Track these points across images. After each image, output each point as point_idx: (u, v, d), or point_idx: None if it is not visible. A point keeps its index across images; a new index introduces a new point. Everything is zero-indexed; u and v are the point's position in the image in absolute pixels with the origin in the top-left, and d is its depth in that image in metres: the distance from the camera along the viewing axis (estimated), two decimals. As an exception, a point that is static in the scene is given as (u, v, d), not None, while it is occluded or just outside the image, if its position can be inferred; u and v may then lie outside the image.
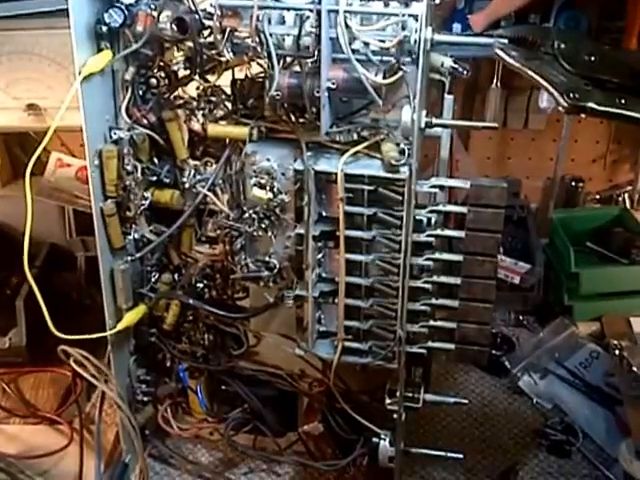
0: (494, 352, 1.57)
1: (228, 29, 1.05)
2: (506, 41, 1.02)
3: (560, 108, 0.99)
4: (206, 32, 1.08)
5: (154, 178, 1.22)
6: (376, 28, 1.02)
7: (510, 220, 1.85)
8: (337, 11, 1.00)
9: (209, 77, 1.16)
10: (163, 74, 1.16)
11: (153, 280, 1.28)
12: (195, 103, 1.18)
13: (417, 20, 0.99)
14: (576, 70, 0.99)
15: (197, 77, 1.13)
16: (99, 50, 1.11)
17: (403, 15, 1.00)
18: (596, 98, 0.98)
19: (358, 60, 1.05)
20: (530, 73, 1.00)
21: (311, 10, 1.01)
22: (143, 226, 1.25)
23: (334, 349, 1.21)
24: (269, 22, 1.06)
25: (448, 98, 1.09)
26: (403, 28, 1.01)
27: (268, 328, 1.28)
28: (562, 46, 1.01)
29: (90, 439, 1.42)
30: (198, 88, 1.18)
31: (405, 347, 1.19)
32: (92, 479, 1.35)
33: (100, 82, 1.13)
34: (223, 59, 1.09)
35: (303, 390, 1.33)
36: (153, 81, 1.17)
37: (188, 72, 1.13)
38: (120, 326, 1.23)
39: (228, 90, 1.18)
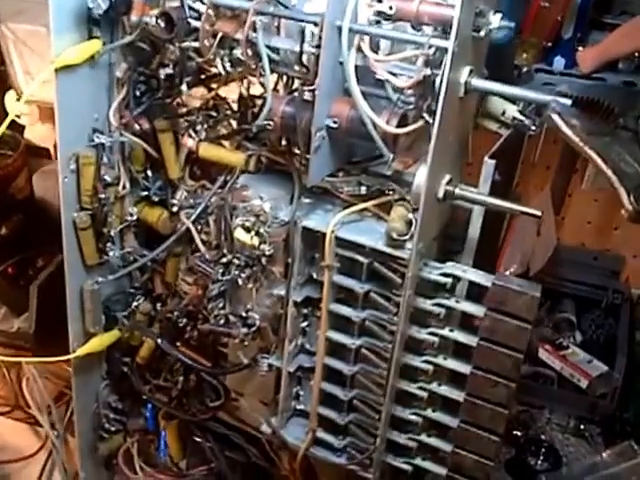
0: (533, 464, 1.28)
1: (220, 35, 0.85)
2: (569, 102, 0.73)
3: (623, 211, 0.70)
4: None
5: (145, 193, 1.05)
6: (396, 59, 0.78)
7: (599, 305, 1.51)
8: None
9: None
10: (164, 75, 0.98)
11: (134, 305, 1.12)
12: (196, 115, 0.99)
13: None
14: (661, 159, 0.70)
15: (184, 87, 0.93)
16: (90, 37, 0.95)
17: (430, 47, 0.74)
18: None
19: (378, 97, 0.82)
20: (590, 153, 0.71)
21: (315, 24, 0.78)
22: (131, 243, 1.09)
23: (305, 435, 1.00)
24: (278, 33, 0.85)
25: (488, 163, 0.82)
26: (427, 64, 0.75)
27: (244, 389, 1.09)
28: (651, 121, 0.72)
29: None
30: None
31: (386, 457, 0.95)
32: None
33: (89, 74, 0.95)
34: (214, 70, 0.89)
35: (277, 466, 1.12)
36: (153, 82, 0.99)
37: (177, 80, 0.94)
38: (80, 352, 1.08)
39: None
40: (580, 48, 1.13)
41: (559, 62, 1.13)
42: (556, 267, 1.47)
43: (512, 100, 0.90)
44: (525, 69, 1.12)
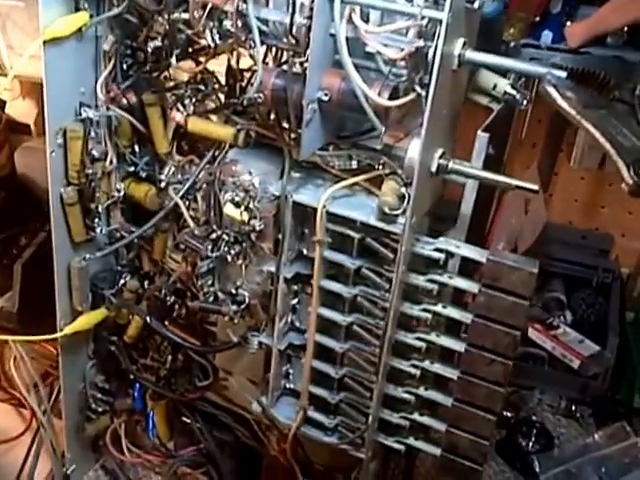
0: (525, 445, 1.27)
1: (209, 6, 0.83)
2: (564, 75, 0.72)
3: (623, 185, 0.70)
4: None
5: (132, 168, 1.04)
6: (387, 30, 0.76)
7: (588, 284, 1.50)
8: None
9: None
10: (152, 48, 0.96)
11: (121, 283, 1.10)
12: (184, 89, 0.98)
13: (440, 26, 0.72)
14: (659, 133, 0.69)
15: (173, 60, 0.91)
16: (77, 10, 0.93)
17: (422, 18, 0.73)
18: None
19: (368, 69, 0.80)
20: (587, 126, 0.70)
21: (306, -7, 0.77)
22: (118, 220, 1.07)
23: (296, 414, 0.99)
24: (267, 4, 0.83)
25: (482, 136, 0.81)
26: (420, 36, 0.74)
27: (233, 368, 1.07)
28: (647, 94, 0.71)
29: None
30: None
31: (378, 437, 0.94)
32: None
33: (76, 47, 0.94)
34: (203, 42, 0.87)
35: (266, 446, 1.11)
36: (140, 55, 0.97)
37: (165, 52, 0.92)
38: (68, 330, 1.07)
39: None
40: (568, 23, 1.12)
41: (547, 37, 1.11)
42: (544, 245, 1.46)
43: (503, 74, 0.89)
44: (512, 44, 1.11)
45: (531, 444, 1.28)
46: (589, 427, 1.33)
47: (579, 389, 1.35)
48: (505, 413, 1.35)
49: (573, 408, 1.35)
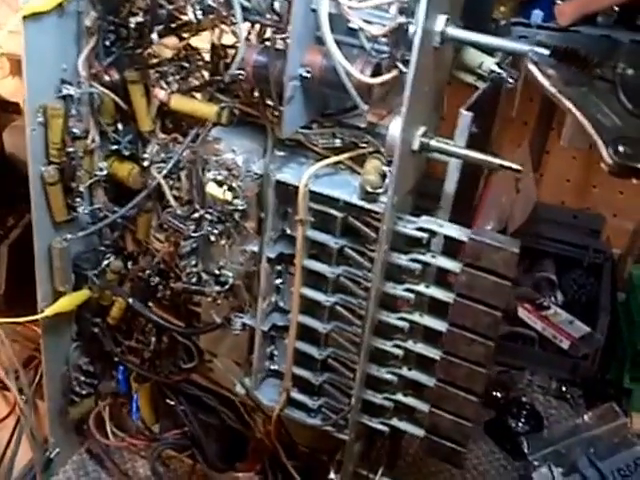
0: (514, 426, 1.27)
1: (191, -22, 0.82)
2: (547, 52, 0.71)
3: (602, 165, 0.69)
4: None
5: (115, 147, 1.02)
6: (369, 6, 0.75)
7: (579, 264, 1.50)
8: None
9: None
10: (134, 24, 0.95)
11: (104, 264, 1.09)
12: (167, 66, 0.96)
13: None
14: (640, 111, 0.68)
15: (154, 36, 0.90)
16: (56, -17, 0.92)
17: (402, -8, 0.72)
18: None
19: (351, 46, 0.79)
20: (567, 104, 0.69)
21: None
22: (101, 199, 1.06)
23: (280, 396, 0.98)
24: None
25: (464, 115, 0.80)
26: (402, 12, 0.73)
27: (218, 350, 1.07)
28: (629, 72, 0.70)
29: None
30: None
31: (361, 418, 0.94)
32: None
33: (56, 23, 0.92)
34: (185, 18, 0.86)
35: (252, 428, 1.11)
36: (122, 31, 0.96)
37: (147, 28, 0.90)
38: (49, 311, 1.05)
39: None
40: (559, 1, 1.11)
41: (537, 15, 1.10)
42: (535, 225, 1.46)
43: (489, 52, 0.88)
44: (503, 22, 1.10)
45: (521, 425, 1.28)
46: (579, 408, 1.33)
47: (569, 370, 1.35)
48: (495, 393, 1.34)
49: (563, 389, 1.35)
